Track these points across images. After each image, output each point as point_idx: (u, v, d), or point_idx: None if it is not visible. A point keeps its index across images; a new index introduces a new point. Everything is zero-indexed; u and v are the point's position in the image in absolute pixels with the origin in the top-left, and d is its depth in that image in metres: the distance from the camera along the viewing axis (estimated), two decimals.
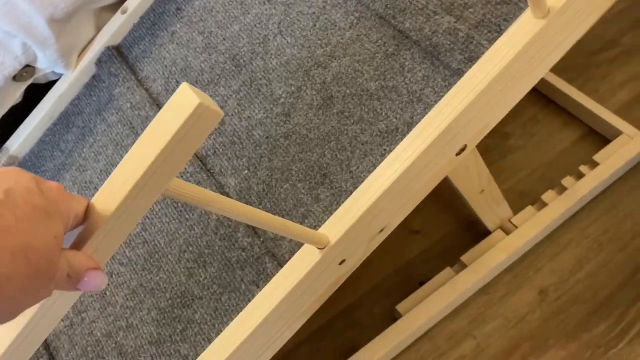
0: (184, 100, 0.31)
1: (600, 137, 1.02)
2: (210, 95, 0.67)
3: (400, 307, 0.84)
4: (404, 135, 0.54)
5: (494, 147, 1.04)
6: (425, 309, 0.83)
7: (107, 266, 0.66)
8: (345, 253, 0.55)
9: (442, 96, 0.52)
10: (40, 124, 0.78)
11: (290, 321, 0.59)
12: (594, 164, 0.95)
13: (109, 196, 0.33)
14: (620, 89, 1.09)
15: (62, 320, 0.66)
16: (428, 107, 0.53)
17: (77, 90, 0.78)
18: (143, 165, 0.32)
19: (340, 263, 0.56)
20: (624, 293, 0.86)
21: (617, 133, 0.99)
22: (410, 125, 0.54)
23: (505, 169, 1.01)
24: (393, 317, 0.85)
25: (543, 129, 1.05)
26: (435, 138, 0.51)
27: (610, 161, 0.94)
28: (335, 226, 0.53)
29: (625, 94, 1.08)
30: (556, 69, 1.14)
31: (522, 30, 0.50)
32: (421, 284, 0.87)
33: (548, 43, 0.51)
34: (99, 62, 0.76)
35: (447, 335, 0.85)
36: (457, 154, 0.56)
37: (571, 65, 1.13)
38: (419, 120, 0.53)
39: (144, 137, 0.33)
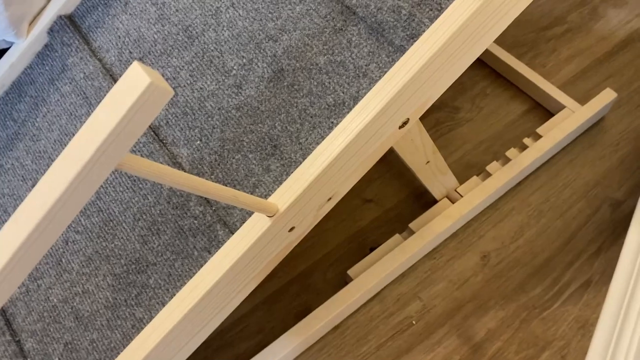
0: (136, 79, 0.33)
1: (545, 110, 1.07)
2: (163, 67, 0.68)
3: (351, 271, 0.88)
4: (350, 109, 0.56)
5: (444, 120, 1.08)
6: (374, 273, 0.87)
7: (62, 234, 0.67)
8: (294, 220, 0.58)
9: (386, 72, 0.55)
10: None
11: (242, 286, 0.62)
12: (537, 137, 1.00)
13: (64, 169, 0.35)
14: (566, 64, 1.14)
15: (18, 287, 0.67)
16: (373, 82, 0.56)
17: (29, 59, 0.77)
18: (97, 141, 0.34)
19: (290, 230, 0.58)
20: (560, 257, 0.92)
21: (560, 107, 1.04)
22: (356, 99, 0.57)
23: (453, 141, 1.05)
24: (345, 281, 0.89)
25: (491, 102, 1.10)
26: (379, 112, 0.54)
27: (552, 134, 0.99)
28: (284, 195, 0.55)
29: (570, 69, 1.13)
30: (506, 44, 1.18)
31: (460, 8, 0.52)
32: (372, 249, 0.92)
33: (485, 21, 0.54)
34: (51, 31, 0.76)
35: (395, 297, 0.89)
36: (400, 127, 0.59)
37: (520, 40, 1.17)
38: (365, 94, 0.56)
39: (97, 113, 0.34)
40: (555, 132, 0.99)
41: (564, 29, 1.19)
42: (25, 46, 0.76)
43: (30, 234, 0.35)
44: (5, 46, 0.78)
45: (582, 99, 1.04)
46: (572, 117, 1.01)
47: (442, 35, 0.52)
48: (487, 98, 1.11)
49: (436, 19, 0.54)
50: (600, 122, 1.05)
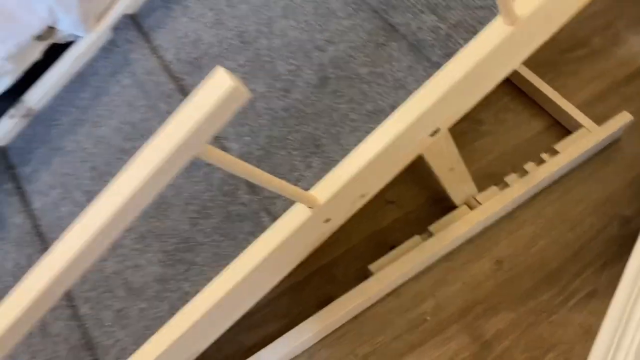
0: (221, 81, 0.40)
1: (563, 128, 1.13)
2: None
3: (372, 266, 0.95)
4: (387, 116, 0.63)
5: (468, 131, 1.14)
6: (394, 270, 0.93)
7: None
8: (330, 213, 0.64)
9: (422, 85, 0.62)
10: (58, 81, 0.85)
11: (278, 269, 0.68)
12: (554, 152, 1.06)
13: (154, 154, 0.42)
14: (586, 85, 1.19)
15: None
16: (409, 93, 0.63)
17: (94, 53, 0.85)
18: (183, 132, 0.41)
19: (326, 221, 0.65)
20: (569, 267, 0.98)
21: (578, 126, 1.09)
22: (393, 108, 0.64)
23: (476, 152, 1.11)
24: (366, 275, 0.96)
25: (513, 117, 1.16)
26: (413, 121, 0.61)
27: (569, 151, 1.05)
28: (324, 189, 0.62)
29: (590, 90, 1.19)
30: (530, 64, 1.24)
31: (492, 34, 0.59)
32: (392, 248, 0.98)
33: (514, 46, 0.61)
34: (116, 28, 0.83)
35: (412, 294, 0.96)
36: (431, 135, 0.66)
37: (544, 61, 1.23)
38: (401, 104, 0.62)
39: (185, 108, 0.41)
40: (572, 150, 1.05)
41: (586, 51, 1.25)
42: (90, 40, 0.84)
43: (125, 203, 0.42)
44: (72, 39, 0.85)
45: (599, 120, 1.09)
46: (588, 136, 1.07)
47: (475, 56, 0.59)
48: (509, 113, 1.17)
49: (469, 40, 0.61)
50: (615, 142, 1.10)
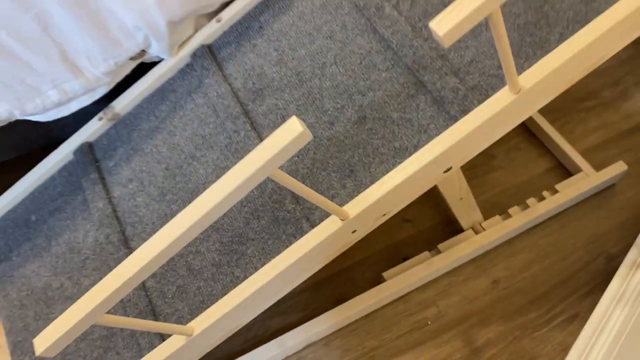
0: (293, 126, 0.57)
1: (565, 170, 1.28)
2: (277, 99, 0.92)
3: (386, 274, 1.11)
4: (411, 154, 0.79)
5: (481, 164, 1.30)
6: (404, 279, 1.09)
7: None
8: (357, 225, 0.81)
9: (441, 132, 0.78)
10: (142, 93, 1.03)
11: (310, 266, 0.85)
12: (554, 191, 1.20)
13: (241, 172, 0.58)
14: (591, 134, 1.34)
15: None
16: (430, 138, 0.79)
17: (174, 73, 1.02)
18: (266, 159, 0.58)
19: (353, 232, 0.81)
20: (556, 292, 1.12)
21: (578, 170, 1.24)
22: (416, 148, 0.80)
23: (486, 183, 1.27)
24: (379, 281, 1.12)
25: (522, 156, 1.31)
26: (431, 160, 0.77)
27: (568, 191, 1.20)
28: (354, 206, 0.78)
29: (593, 139, 1.33)
30: (544, 109, 1.37)
31: (500, 99, 0.75)
32: (404, 259, 1.14)
33: (516, 110, 0.76)
34: (194, 55, 1.01)
35: (417, 301, 1.11)
36: (445, 172, 0.82)
37: (557, 107, 1.38)
38: (423, 145, 0.79)
39: (266, 142, 0.58)
40: (570, 190, 1.20)
41: (595, 103, 1.39)
42: (172, 63, 1.02)
43: (218, 204, 0.59)
44: (157, 60, 1.03)
45: (598, 166, 1.24)
46: (586, 180, 1.21)
47: (484, 115, 0.74)
48: (519, 152, 1.32)
49: (483, 102, 0.77)
50: (611, 187, 1.25)
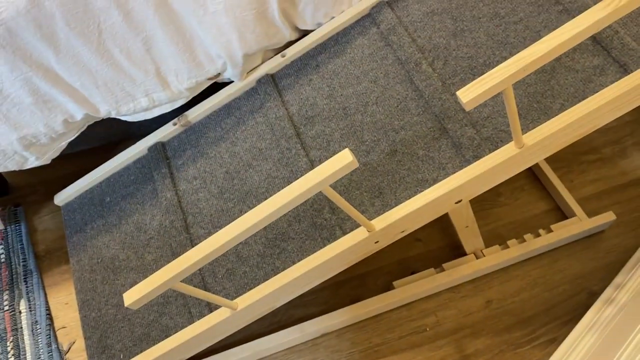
0: (345, 156, 0.76)
1: (562, 213, 1.46)
2: (325, 126, 1.12)
3: (395, 283, 1.30)
4: (430, 185, 0.98)
5: (488, 199, 1.48)
6: (411, 289, 1.28)
7: (240, 208, 1.12)
8: (380, 238, 1.00)
9: (456, 171, 0.97)
10: (212, 106, 1.23)
11: (337, 267, 1.04)
12: (549, 230, 1.38)
13: (297, 188, 0.78)
14: (589, 184, 1.52)
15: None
16: (447, 174, 0.98)
17: (240, 94, 1.23)
18: (317, 179, 0.77)
19: (375, 242, 1.01)
20: (540, 318, 1.30)
21: (573, 214, 1.42)
22: (435, 181, 0.99)
23: (490, 216, 1.45)
24: (389, 288, 1.31)
25: (525, 196, 1.49)
26: (445, 192, 0.96)
27: (561, 232, 1.37)
28: (379, 221, 0.98)
29: (590, 189, 1.51)
30: (550, 158, 1.57)
31: (506, 151, 0.94)
32: (412, 273, 1.33)
33: (518, 161, 0.96)
34: (259, 81, 1.22)
35: (419, 310, 1.30)
36: (456, 202, 1.01)
37: (561, 158, 1.56)
38: (441, 180, 0.98)
39: (320, 167, 0.78)
40: (563, 232, 1.38)
41: (596, 157, 1.57)
42: (240, 85, 1.22)
43: (278, 209, 0.79)
44: (227, 81, 1.24)
45: (591, 214, 1.41)
46: (578, 224, 1.39)
47: (492, 162, 0.94)
48: (523, 192, 1.50)
49: (493, 150, 0.96)
50: (600, 233, 1.42)
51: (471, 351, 1.25)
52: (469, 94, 0.76)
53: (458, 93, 0.77)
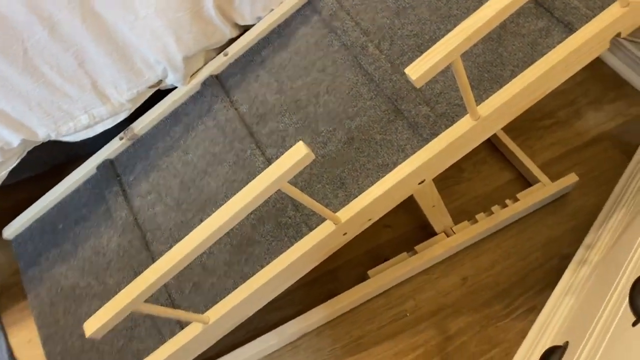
0: (300, 150, 0.73)
1: (525, 181, 1.46)
2: (278, 122, 1.08)
3: (370, 272, 1.27)
4: (391, 169, 0.96)
5: (451, 176, 1.47)
6: (385, 276, 1.26)
7: (200, 216, 1.07)
8: (347, 229, 0.97)
9: (415, 151, 0.95)
10: (158, 116, 1.18)
11: (307, 265, 1.01)
12: (515, 200, 1.38)
13: (255, 188, 0.74)
14: (548, 149, 1.53)
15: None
16: (407, 156, 0.96)
17: (185, 99, 1.18)
18: (274, 175, 0.74)
19: (344, 234, 0.98)
20: (516, 288, 1.30)
21: (536, 181, 1.42)
22: (395, 164, 0.96)
23: (456, 193, 1.44)
24: (363, 278, 1.28)
25: (487, 169, 1.49)
26: (407, 174, 0.94)
27: (527, 200, 1.38)
28: (345, 213, 0.95)
29: (550, 153, 1.52)
30: (506, 128, 1.56)
31: (462, 125, 0.92)
32: (385, 260, 1.30)
33: (475, 133, 0.94)
34: (204, 84, 1.17)
35: (397, 296, 1.28)
36: (419, 183, 0.99)
37: (517, 126, 1.56)
38: (401, 162, 0.95)
39: (278, 162, 0.74)
40: (529, 199, 1.38)
41: (551, 122, 1.58)
42: (185, 90, 1.17)
43: (235, 213, 0.75)
44: (171, 87, 1.18)
45: (554, 177, 1.42)
46: (543, 190, 1.40)
47: (450, 138, 0.92)
48: (485, 165, 1.50)
49: (449, 127, 0.94)
50: (564, 196, 1.43)
51: (454, 331, 1.24)
52: (418, 70, 0.74)
53: (406, 70, 0.74)
